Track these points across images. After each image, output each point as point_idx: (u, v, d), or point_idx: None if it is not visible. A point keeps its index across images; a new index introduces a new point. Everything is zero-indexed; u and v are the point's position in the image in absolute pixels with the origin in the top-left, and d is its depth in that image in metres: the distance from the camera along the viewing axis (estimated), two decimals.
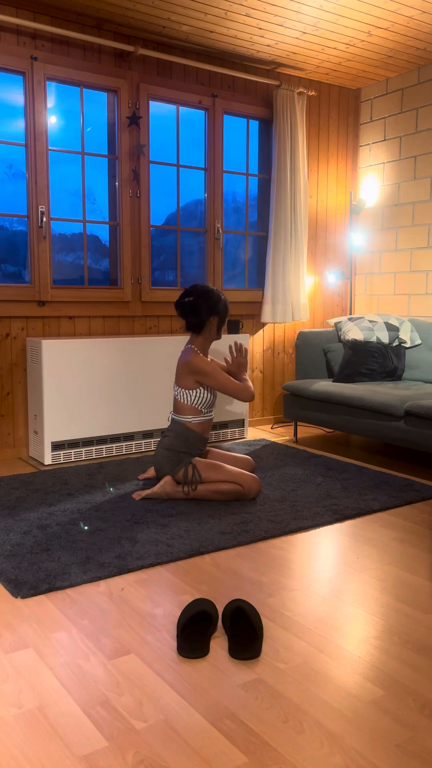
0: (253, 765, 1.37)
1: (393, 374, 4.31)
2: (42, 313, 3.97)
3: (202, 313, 3.19)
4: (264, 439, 4.41)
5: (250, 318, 4.85)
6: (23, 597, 2.12)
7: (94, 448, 3.92)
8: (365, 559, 2.46)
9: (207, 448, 3.42)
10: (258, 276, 4.94)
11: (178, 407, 3.23)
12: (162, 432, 3.32)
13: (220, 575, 2.30)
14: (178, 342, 4.16)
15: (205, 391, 3.21)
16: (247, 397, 3.21)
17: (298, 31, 4.05)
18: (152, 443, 4.15)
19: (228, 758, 1.39)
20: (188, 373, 3.17)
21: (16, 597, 2.13)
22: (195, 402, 3.20)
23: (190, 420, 3.20)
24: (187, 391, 3.19)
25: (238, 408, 4.46)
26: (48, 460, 3.78)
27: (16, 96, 3.86)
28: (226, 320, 3.31)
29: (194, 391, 3.18)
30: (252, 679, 1.68)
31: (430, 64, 4.62)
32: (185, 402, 3.20)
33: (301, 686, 1.65)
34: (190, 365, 3.16)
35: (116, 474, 3.56)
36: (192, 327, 3.24)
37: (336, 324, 4.58)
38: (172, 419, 3.25)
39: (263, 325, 4.92)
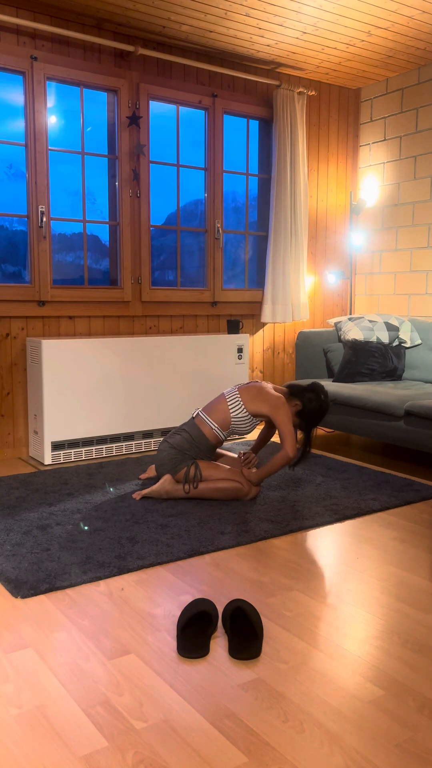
0: (253, 765, 1.37)
1: (393, 374, 4.31)
2: (42, 312, 3.97)
3: (298, 395, 3.16)
4: None
5: (250, 318, 4.85)
6: (23, 597, 2.12)
7: (94, 448, 3.92)
8: (365, 559, 2.46)
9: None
10: (258, 276, 4.94)
11: (214, 408, 3.15)
12: (174, 428, 3.24)
13: (220, 575, 2.30)
14: (178, 342, 4.16)
15: (252, 422, 3.16)
16: (293, 453, 3.03)
17: (298, 31, 4.05)
18: (152, 443, 4.15)
19: (228, 758, 1.39)
20: (268, 403, 3.09)
21: (16, 597, 2.13)
22: (236, 418, 3.12)
23: (212, 427, 3.13)
24: (243, 406, 3.12)
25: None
26: (48, 460, 3.78)
27: (16, 96, 3.86)
28: (302, 427, 3.20)
29: (247, 413, 3.13)
30: (252, 679, 1.68)
31: (430, 64, 4.62)
32: (231, 409, 3.12)
33: (301, 686, 1.65)
34: (273, 399, 3.08)
35: (116, 474, 3.56)
36: (289, 394, 3.21)
37: (336, 324, 4.58)
38: (198, 416, 3.17)
39: (263, 325, 4.92)
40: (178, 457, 3.10)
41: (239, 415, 3.12)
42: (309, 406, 3.16)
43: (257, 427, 3.17)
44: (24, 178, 3.90)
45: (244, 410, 3.12)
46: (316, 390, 3.18)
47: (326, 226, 5.15)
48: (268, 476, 3.11)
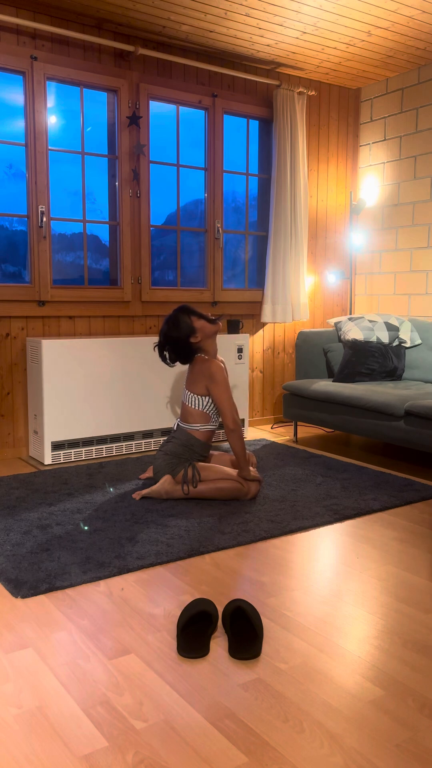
0: (253, 765, 1.37)
1: (393, 374, 4.31)
2: (42, 312, 3.97)
3: (184, 349, 3.15)
4: (264, 439, 4.40)
5: (250, 318, 4.85)
6: (23, 597, 2.12)
7: (94, 448, 3.92)
8: (365, 559, 2.46)
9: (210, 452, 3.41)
10: (258, 276, 4.94)
11: (186, 414, 3.19)
12: (166, 438, 3.28)
13: (220, 575, 2.30)
14: None
15: None
16: (232, 425, 3.07)
17: (298, 30, 4.05)
18: (152, 443, 4.15)
19: (228, 758, 1.39)
20: (202, 376, 3.14)
21: (16, 597, 2.13)
22: (206, 407, 3.16)
23: (197, 428, 3.17)
24: (198, 396, 3.15)
25: (238, 408, 4.46)
26: (48, 460, 3.78)
27: (16, 96, 3.86)
28: (205, 320, 3.14)
29: (206, 397, 3.16)
30: (252, 679, 1.68)
31: (430, 64, 4.62)
32: (196, 408, 3.16)
33: (301, 686, 1.65)
34: (204, 369, 3.13)
35: (116, 474, 3.56)
36: (187, 361, 3.22)
37: (336, 324, 4.58)
38: (178, 426, 3.23)
39: (263, 325, 4.92)
40: (174, 461, 3.11)
41: (203, 404, 3.16)
42: (189, 336, 3.12)
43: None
44: (24, 178, 3.90)
45: (201, 398, 3.16)
46: (168, 345, 3.15)
47: (326, 226, 5.15)
48: (245, 458, 3.11)
